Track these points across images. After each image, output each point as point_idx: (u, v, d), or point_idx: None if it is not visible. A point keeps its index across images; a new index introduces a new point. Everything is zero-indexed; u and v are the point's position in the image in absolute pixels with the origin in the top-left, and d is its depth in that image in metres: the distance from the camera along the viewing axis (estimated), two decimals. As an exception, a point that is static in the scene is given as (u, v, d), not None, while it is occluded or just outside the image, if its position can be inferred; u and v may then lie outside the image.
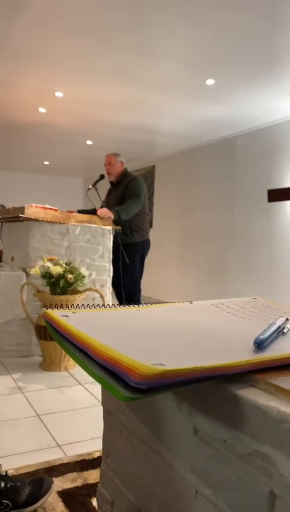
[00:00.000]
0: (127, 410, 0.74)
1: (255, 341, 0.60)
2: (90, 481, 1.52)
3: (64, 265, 2.94)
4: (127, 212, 3.59)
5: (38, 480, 1.41)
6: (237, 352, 0.57)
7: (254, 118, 4.70)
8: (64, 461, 1.67)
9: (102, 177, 3.89)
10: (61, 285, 2.87)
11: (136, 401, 0.70)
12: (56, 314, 0.67)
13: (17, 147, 6.60)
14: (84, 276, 2.97)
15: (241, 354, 0.56)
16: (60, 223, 3.26)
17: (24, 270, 3.19)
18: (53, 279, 2.88)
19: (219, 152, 5.60)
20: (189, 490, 0.59)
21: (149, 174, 7.11)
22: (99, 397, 0.91)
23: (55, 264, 2.90)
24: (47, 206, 3.30)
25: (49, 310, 0.69)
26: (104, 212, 3.45)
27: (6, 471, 1.42)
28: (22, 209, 3.12)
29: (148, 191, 4.68)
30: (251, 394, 0.50)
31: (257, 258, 4.96)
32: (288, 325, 0.71)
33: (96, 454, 1.71)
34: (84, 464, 1.65)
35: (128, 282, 3.75)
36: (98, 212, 3.44)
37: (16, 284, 3.08)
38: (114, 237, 3.50)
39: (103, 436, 0.85)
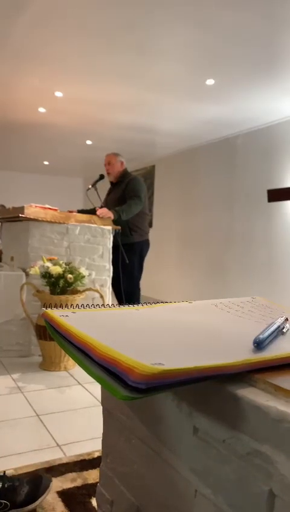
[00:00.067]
0: (127, 410, 0.74)
1: (255, 341, 0.60)
2: (90, 481, 1.52)
3: (64, 265, 2.94)
4: (127, 212, 3.59)
5: (36, 479, 1.40)
6: (237, 352, 0.57)
7: (254, 118, 4.70)
8: (64, 461, 1.67)
9: (102, 177, 3.89)
10: (60, 285, 2.88)
11: (136, 401, 0.70)
12: (56, 314, 0.67)
13: (17, 147, 6.60)
14: (83, 276, 2.97)
15: (241, 354, 0.56)
16: (60, 222, 3.26)
17: (24, 270, 3.19)
18: (53, 279, 2.87)
19: (219, 152, 5.60)
20: (189, 490, 0.59)
21: (149, 174, 7.11)
22: (99, 397, 0.91)
23: (54, 264, 2.90)
24: (47, 206, 3.30)
25: (48, 310, 0.69)
26: (103, 212, 3.45)
27: (5, 472, 1.42)
28: (21, 209, 3.12)
29: (148, 191, 4.67)
30: (250, 394, 0.50)
31: (257, 258, 4.96)
32: (287, 324, 0.71)
33: (96, 454, 1.71)
34: (83, 464, 1.65)
35: (128, 283, 3.75)
36: (98, 212, 3.44)
37: (15, 284, 3.08)
38: (114, 237, 3.50)
39: (103, 436, 0.85)
